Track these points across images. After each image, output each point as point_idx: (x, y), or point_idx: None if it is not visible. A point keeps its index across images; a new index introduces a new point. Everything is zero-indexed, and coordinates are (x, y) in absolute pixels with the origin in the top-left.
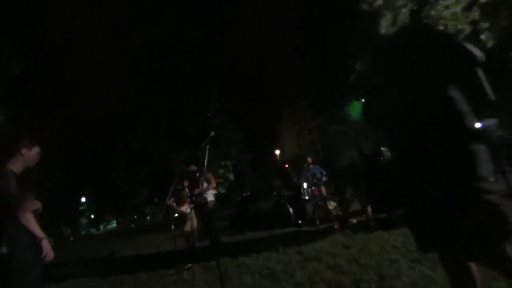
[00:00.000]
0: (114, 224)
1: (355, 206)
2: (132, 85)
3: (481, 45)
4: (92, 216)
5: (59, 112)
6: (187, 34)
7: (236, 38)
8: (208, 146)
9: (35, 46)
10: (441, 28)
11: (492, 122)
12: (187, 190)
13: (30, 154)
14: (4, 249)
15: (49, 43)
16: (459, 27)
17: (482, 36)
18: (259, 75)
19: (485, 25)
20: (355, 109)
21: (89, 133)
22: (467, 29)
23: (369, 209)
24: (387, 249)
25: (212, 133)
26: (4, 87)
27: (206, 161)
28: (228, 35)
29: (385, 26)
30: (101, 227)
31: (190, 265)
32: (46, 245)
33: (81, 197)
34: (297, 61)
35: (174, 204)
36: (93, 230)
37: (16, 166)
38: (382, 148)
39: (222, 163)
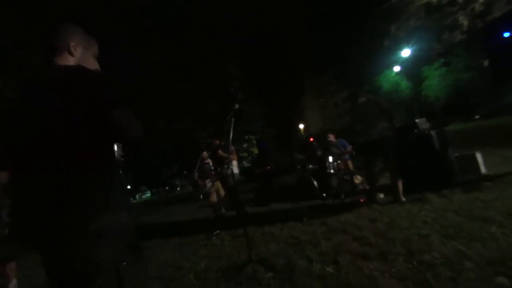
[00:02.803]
0: (148, 194)
1: (384, 180)
2: (152, 66)
3: None
4: (129, 187)
5: None
6: (204, 9)
7: (254, 7)
8: (233, 119)
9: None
10: None
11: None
12: (210, 164)
13: None
14: None
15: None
16: None
17: None
18: (280, 46)
19: None
20: (387, 79)
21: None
22: None
23: (400, 184)
24: (417, 224)
25: (237, 106)
26: None
27: (231, 133)
28: (246, 5)
29: None
30: (137, 197)
31: (218, 231)
32: None
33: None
34: (322, 27)
35: (198, 178)
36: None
37: None
38: (417, 120)
39: (246, 137)
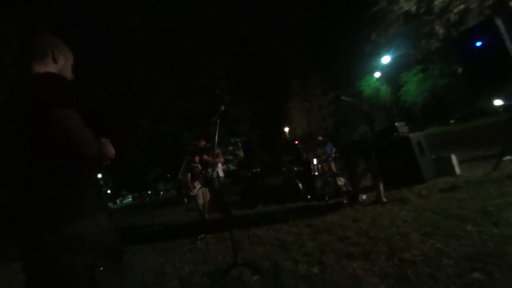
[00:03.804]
0: (130, 199)
1: (366, 182)
2: (137, 65)
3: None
4: (109, 192)
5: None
6: (191, 9)
7: (241, 9)
8: (218, 121)
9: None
10: None
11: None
12: (200, 167)
13: None
14: None
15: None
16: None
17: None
18: (266, 48)
19: None
20: (368, 84)
21: (99, 115)
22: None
23: (381, 185)
24: (398, 223)
25: (223, 108)
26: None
27: (217, 135)
28: (233, 7)
29: None
30: (118, 201)
31: (203, 235)
32: None
33: (97, 174)
34: (306, 32)
35: (190, 180)
36: (110, 205)
37: None
38: (396, 124)
39: (232, 140)
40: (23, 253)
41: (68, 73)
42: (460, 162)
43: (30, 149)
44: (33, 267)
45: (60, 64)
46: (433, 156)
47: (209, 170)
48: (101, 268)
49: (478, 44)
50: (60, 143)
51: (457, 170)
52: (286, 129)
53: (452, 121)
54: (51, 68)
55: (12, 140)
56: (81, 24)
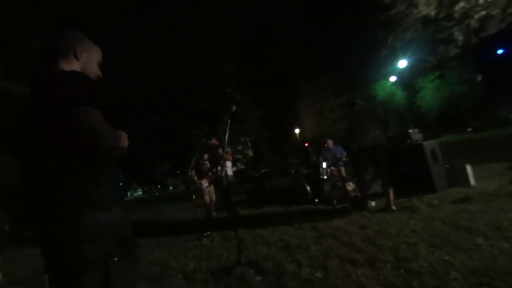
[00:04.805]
0: (140, 192)
1: (376, 188)
2: (150, 62)
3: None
4: (120, 184)
5: None
6: (204, 8)
7: (255, 9)
8: (229, 120)
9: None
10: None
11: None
12: (208, 164)
13: None
14: None
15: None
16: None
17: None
18: (278, 48)
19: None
20: (383, 88)
21: (111, 111)
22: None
23: (391, 192)
24: (406, 232)
25: (234, 107)
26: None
27: (227, 134)
28: (246, 7)
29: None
30: (128, 194)
31: (209, 233)
32: None
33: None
34: (320, 33)
35: (195, 177)
36: None
37: None
38: (410, 131)
39: (241, 139)
40: (41, 240)
41: (92, 70)
42: (475, 173)
43: (52, 142)
44: (51, 253)
45: (82, 61)
46: (447, 166)
47: (219, 168)
48: (116, 259)
49: (499, 52)
50: (81, 137)
51: (472, 181)
52: (297, 131)
53: (469, 130)
54: (74, 65)
55: (36, 133)
56: (94, 21)
